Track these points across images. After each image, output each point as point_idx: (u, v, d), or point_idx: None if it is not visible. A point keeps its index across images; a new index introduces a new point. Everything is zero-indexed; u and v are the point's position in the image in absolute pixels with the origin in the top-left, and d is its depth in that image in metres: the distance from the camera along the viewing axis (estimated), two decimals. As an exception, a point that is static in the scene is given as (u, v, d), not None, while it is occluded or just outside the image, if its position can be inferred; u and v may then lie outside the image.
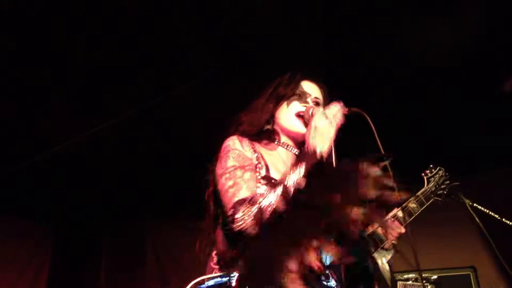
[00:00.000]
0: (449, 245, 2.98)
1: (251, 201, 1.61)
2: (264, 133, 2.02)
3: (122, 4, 2.95)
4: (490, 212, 2.55)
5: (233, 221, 1.59)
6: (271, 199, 1.58)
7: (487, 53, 3.48)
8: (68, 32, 3.12)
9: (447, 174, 2.50)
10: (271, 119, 2.03)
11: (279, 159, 1.98)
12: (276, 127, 2.04)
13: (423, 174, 2.46)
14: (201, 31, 3.28)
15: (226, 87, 3.74)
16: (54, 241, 5.76)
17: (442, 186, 2.46)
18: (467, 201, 2.57)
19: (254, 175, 1.77)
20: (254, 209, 1.57)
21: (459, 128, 4.22)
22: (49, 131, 4.09)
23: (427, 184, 2.41)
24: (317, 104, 2.03)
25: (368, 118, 1.75)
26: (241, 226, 1.57)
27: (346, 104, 1.83)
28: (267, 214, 1.57)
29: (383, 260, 2.96)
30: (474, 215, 2.51)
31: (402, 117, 4.07)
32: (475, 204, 2.58)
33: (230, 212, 1.63)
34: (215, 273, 1.85)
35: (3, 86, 3.51)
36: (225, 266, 1.77)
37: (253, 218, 1.56)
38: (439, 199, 2.42)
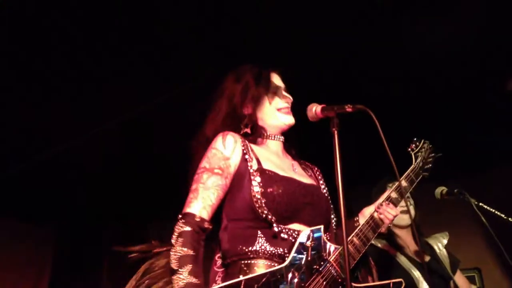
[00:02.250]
0: (453, 247, 2.95)
1: (190, 223, 1.72)
2: (251, 133, 2.03)
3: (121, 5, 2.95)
4: (496, 212, 2.50)
5: (176, 226, 1.75)
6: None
7: (491, 51, 3.46)
8: (67, 34, 3.12)
9: (431, 146, 2.41)
10: (249, 119, 2.02)
11: (270, 151, 2.01)
12: (261, 124, 2.05)
13: (409, 149, 2.35)
14: (200, 32, 3.28)
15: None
16: (55, 243, 5.74)
17: (429, 160, 2.37)
18: (472, 200, 2.53)
19: (219, 180, 1.81)
20: (178, 251, 1.68)
21: (463, 126, 4.20)
22: (50, 132, 4.08)
23: (415, 160, 2.30)
24: (285, 90, 2.11)
25: (373, 115, 1.73)
26: (173, 239, 1.72)
27: (351, 101, 1.81)
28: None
29: (439, 246, 2.89)
30: (480, 214, 2.46)
31: (407, 115, 4.05)
32: (480, 204, 2.54)
33: (179, 216, 1.76)
34: (219, 276, 1.84)
35: (3, 87, 3.50)
36: (233, 266, 1.77)
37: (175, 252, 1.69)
38: (427, 174, 2.33)
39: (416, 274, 2.59)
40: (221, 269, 1.85)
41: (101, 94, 3.74)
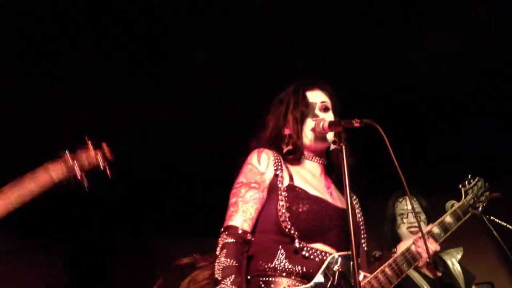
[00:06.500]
0: (465, 261, 2.91)
1: (233, 235, 1.78)
2: (291, 151, 2.05)
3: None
4: (508, 226, 2.47)
5: (219, 239, 1.80)
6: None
7: (502, 59, 3.45)
8: (68, 45, 3.18)
9: (486, 184, 2.37)
10: (289, 139, 2.05)
11: (307, 170, 2.04)
12: (299, 143, 2.04)
13: (460, 186, 2.31)
14: (205, 45, 3.29)
15: (233, 105, 3.74)
16: (65, 259, 5.75)
17: (481, 198, 2.32)
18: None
19: (256, 194, 1.88)
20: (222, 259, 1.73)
21: (474, 137, 4.16)
22: (59, 148, 4.10)
23: (465, 196, 2.26)
24: (326, 108, 2.07)
25: (381, 130, 1.72)
26: (218, 251, 1.77)
27: (358, 116, 1.81)
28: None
29: (453, 261, 2.82)
30: (492, 228, 2.43)
31: (416, 128, 4.03)
32: (492, 217, 2.50)
33: (221, 229, 1.82)
34: None
35: (11, 100, 3.52)
36: (252, 282, 1.80)
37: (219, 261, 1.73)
38: (477, 212, 2.29)
39: None
40: None
41: (110, 110, 3.77)
